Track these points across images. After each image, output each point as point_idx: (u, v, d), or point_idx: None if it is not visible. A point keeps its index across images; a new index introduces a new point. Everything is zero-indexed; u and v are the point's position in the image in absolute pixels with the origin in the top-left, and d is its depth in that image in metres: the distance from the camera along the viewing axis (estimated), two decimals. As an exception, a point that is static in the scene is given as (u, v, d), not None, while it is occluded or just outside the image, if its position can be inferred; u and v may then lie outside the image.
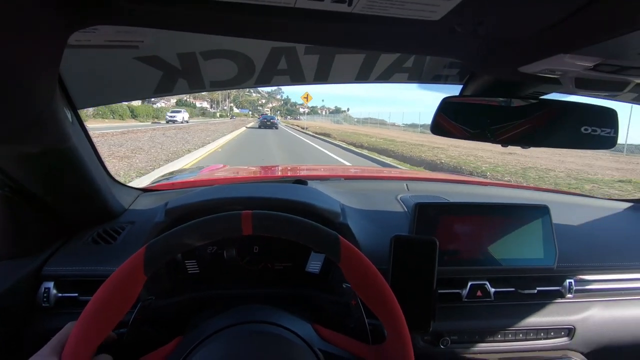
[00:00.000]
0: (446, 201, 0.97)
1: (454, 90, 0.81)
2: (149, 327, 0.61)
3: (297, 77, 0.77)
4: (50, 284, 0.68)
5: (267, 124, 28.78)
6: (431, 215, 0.78)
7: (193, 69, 0.70)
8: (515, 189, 1.32)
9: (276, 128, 28.71)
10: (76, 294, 0.69)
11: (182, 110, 33.75)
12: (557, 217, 0.81)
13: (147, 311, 0.58)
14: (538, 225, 0.80)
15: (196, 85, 0.74)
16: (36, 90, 0.46)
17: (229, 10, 0.39)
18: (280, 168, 1.87)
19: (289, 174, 1.52)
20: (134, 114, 33.90)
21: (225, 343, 0.49)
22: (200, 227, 0.46)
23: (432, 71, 0.81)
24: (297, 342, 0.49)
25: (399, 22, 0.40)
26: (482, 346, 0.78)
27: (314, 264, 0.79)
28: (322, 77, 0.78)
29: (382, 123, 43.97)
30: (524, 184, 5.69)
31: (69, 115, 0.62)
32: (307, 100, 25.04)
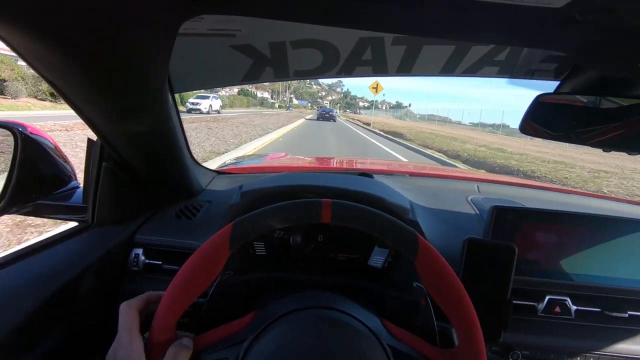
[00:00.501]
0: (523, 206, 0.91)
1: (543, 86, 0.75)
2: (224, 300, 0.66)
3: (380, 69, 0.77)
4: (140, 251, 0.76)
5: (325, 116, 29.53)
6: (510, 220, 0.74)
7: (281, 57, 0.73)
8: (603, 200, 1.19)
9: (334, 120, 29.12)
10: (160, 262, 0.77)
11: (212, 96, 24.87)
12: None
13: (225, 285, 0.63)
14: (636, 242, 0.71)
15: (281, 73, 0.78)
16: (151, 74, 0.52)
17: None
18: (344, 160, 1.88)
19: (354, 167, 1.53)
20: (183, 101, 28.79)
21: (298, 324, 0.50)
22: (283, 210, 0.48)
23: (526, 65, 0.76)
24: (366, 334, 0.49)
25: (513, 10, 0.38)
26: None
27: (377, 258, 0.80)
28: (405, 69, 0.77)
29: (445, 121, 41.82)
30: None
31: (170, 99, 0.69)
32: (376, 92, 22.57)
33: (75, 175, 0.79)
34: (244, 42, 0.69)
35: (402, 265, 0.77)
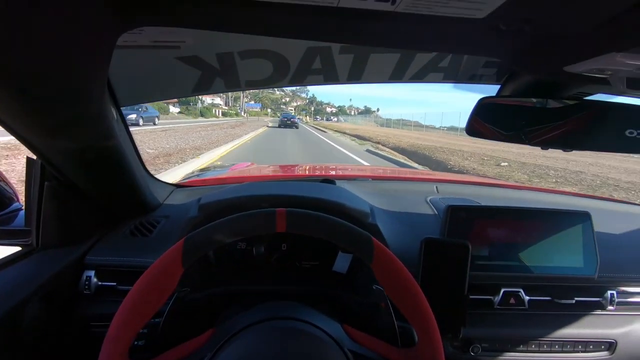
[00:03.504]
0: (479, 204, 0.99)
1: (489, 90, 0.83)
2: (181, 318, 0.66)
3: (331, 77, 0.82)
4: (92, 273, 0.75)
5: (287, 122, 29.26)
6: (464, 218, 0.81)
7: (230, 68, 0.76)
8: (552, 194, 1.31)
9: (296, 127, 29.10)
10: (114, 283, 0.76)
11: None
12: (598, 225, 0.81)
13: (182, 303, 0.63)
14: (578, 232, 0.80)
15: (232, 84, 0.81)
16: (87, 88, 0.51)
17: (271, 11, 0.41)
18: (307, 167, 1.93)
19: (316, 173, 1.57)
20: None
21: (257, 338, 0.52)
22: (236, 222, 0.50)
23: (468, 71, 0.84)
24: (327, 341, 0.52)
25: (441, 21, 0.41)
26: (515, 355, 0.79)
27: (341, 264, 0.83)
28: (355, 76, 0.83)
29: (417, 125, 42.93)
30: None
31: (114, 113, 0.69)
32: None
33: (17, 197, 0.76)
34: (189, 53, 0.71)
35: (365, 269, 0.81)
